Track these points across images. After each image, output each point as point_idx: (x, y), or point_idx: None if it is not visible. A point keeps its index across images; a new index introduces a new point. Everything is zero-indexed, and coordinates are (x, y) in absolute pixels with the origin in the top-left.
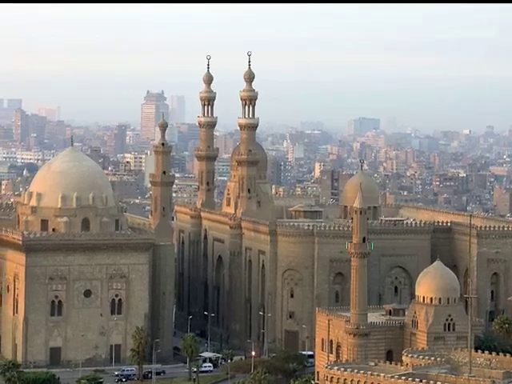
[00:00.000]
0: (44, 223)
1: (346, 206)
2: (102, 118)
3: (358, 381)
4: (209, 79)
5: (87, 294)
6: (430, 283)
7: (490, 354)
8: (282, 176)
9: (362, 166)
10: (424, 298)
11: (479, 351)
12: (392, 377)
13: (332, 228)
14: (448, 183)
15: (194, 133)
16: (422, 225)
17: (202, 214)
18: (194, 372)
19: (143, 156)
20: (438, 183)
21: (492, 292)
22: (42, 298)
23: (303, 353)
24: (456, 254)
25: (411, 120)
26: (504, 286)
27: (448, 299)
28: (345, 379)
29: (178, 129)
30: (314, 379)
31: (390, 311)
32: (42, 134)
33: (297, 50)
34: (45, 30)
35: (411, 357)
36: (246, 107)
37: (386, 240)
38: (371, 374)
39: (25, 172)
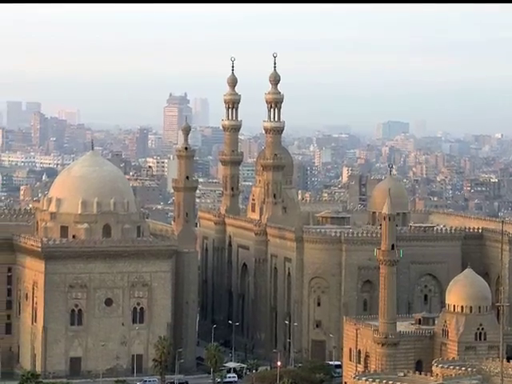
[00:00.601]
0: (64, 230)
1: (374, 212)
2: (124, 121)
3: None
4: (233, 81)
5: (108, 302)
6: (460, 291)
7: None
8: (308, 181)
9: (390, 171)
10: (454, 306)
11: (511, 361)
12: None
13: (360, 234)
14: (479, 188)
15: (217, 136)
16: (453, 231)
17: (227, 220)
18: (218, 383)
19: (166, 160)
20: (468, 188)
21: None
22: (61, 306)
23: (330, 363)
24: (487, 262)
25: (441, 123)
26: None
27: (479, 308)
28: None
29: (201, 132)
30: None
31: (420, 320)
32: (61, 137)
33: (323, 51)
34: (64, 30)
35: (441, 367)
36: (272, 110)
37: (416, 247)
38: None
39: (44, 177)
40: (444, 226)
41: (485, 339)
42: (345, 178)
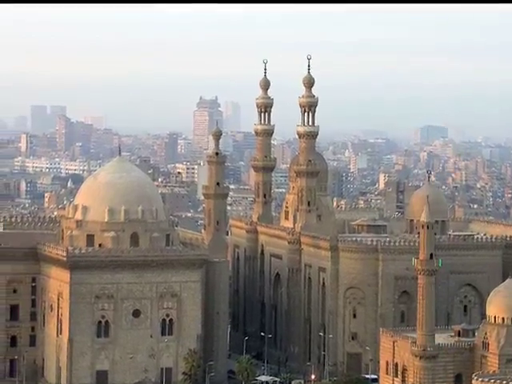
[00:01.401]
0: (90, 238)
1: (412, 220)
2: (152, 125)
3: None
4: (266, 84)
5: (136, 313)
6: (501, 302)
7: None
8: (343, 188)
9: (429, 177)
10: (495, 317)
11: None
12: None
13: (397, 243)
14: None
15: (249, 142)
16: (493, 240)
17: (259, 228)
18: None
19: (196, 166)
20: (510, 195)
21: None
22: (87, 318)
23: (366, 376)
24: None
25: (481, 128)
26: None
27: None
28: None
29: (232, 137)
30: None
31: (459, 332)
32: (87, 142)
33: (359, 53)
34: (91, 31)
35: (482, 381)
36: (306, 114)
37: (455, 256)
38: None
39: (69, 183)
40: (484, 235)
41: None
42: (381, 185)
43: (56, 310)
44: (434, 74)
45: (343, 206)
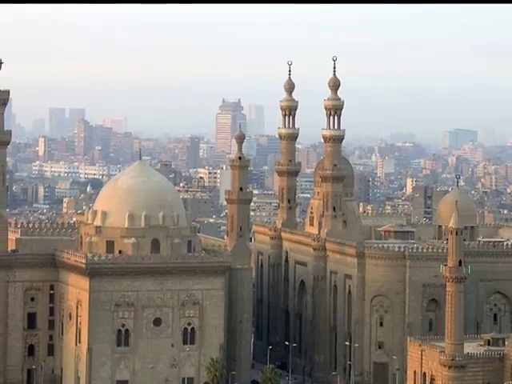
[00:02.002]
0: (109, 245)
1: (440, 226)
2: (173, 129)
3: None
4: (290, 87)
5: (157, 322)
6: None
7: None
8: (370, 193)
9: (458, 182)
10: None
11: None
12: None
13: (425, 250)
14: None
15: (273, 145)
16: None
17: (283, 234)
18: None
19: (218, 171)
20: None
21: None
22: (107, 326)
23: None
24: None
25: None
26: None
27: None
28: None
29: (256, 141)
30: None
31: (489, 341)
32: (107, 146)
33: (385, 56)
34: (110, 33)
35: None
36: (331, 117)
37: (485, 263)
38: None
39: (88, 188)
40: None
41: None
42: (409, 190)
43: (75, 319)
44: (464, 77)
45: (370, 212)
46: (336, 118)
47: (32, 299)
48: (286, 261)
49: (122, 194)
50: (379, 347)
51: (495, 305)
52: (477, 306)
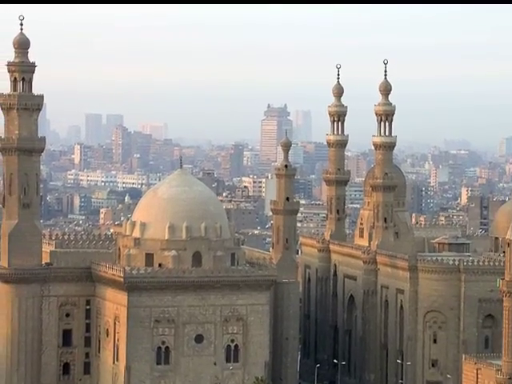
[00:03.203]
0: (149, 257)
1: (497, 238)
2: (216, 135)
3: None
4: (339, 91)
5: (199, 339)
6: None
7: None
8: (423, 203)
9: None
10: None
11: None
12: None
13: (481, 263)
14: None
15: (321, 153)
16: None
17: (331, 246)
18: None
19: (263, 180)
20: None
21: None
22: (146, 343)
23: None
24: None
25: None
26: None
27: None
28: None
29: (303, 148)
30: None
31: None
32: (146, 154)
33: (439, 58)
34: (149, 35)
35: None
36: (382, 124)
37: None
38: None
39: (126, 198)
40: None
41: None
42: (464, 200)
43: (112, 335)
44: None
45: (422, 223)
46: (387, 123)
47: (67, 315)
48: (335, 274)
49: (162, 204)
50: (433, 365)
51: None
52: None
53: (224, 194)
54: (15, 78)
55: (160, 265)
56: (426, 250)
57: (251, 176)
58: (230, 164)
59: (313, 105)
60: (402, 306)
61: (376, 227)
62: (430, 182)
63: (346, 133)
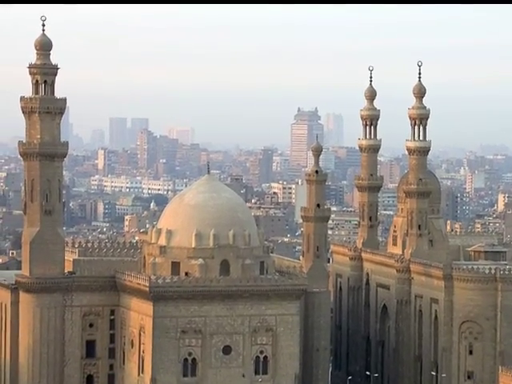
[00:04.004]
0: (175, 266)
1: None
2: (244, 140)
3: None
4: (371, 94)
5: (226, 350)
6: None
7: None
8: (458, 210)
9: None
10: None
11: None
12: None
13: None
14: None
15: (353, 158)
16: None
17: (363, 254)
18: None
19: (293, 186)
20: None
21: None
22: (172, 355)
23: None
24: None
25: None
26: None
27: None
28: None
29: (334, 153)
30: None
31: None
32: (172, 159)
33: (476, 60)
34: (176, 36)
35: None
36: (416, 128)
37: None
38: None
39: (152, 205)
40: None
41: None
42: (501, 207)
43: (137, 346)
44: None
45: (458, 230)
46: (421, 128)
47: (91, 325)
48: (367, 283)
49: (189, 211)
50: (468, 377)
51: None
52: None
53: (253, 201)
54: (37, 81)
55: (186, 273)
56: (462, 258)
57: (281, 182)
58: (259, 169)
59: (344, 108)
60: (436, 317)
61: (410, 235)
62: (465, 188)
63: (378, 137)
